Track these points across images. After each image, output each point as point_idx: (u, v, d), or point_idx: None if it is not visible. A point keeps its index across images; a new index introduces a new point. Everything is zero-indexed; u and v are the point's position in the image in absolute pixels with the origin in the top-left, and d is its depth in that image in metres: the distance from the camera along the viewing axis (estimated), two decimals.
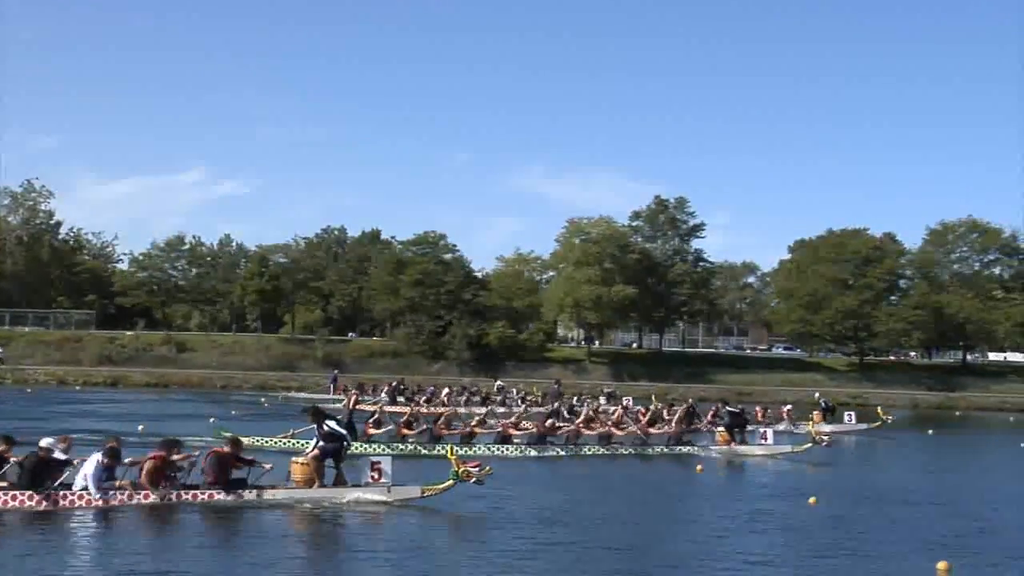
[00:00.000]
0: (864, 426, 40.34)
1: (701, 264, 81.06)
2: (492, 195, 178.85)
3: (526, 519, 16.28)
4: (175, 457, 16.67)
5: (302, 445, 22.87)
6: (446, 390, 47.02)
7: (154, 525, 15.12)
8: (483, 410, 37.01)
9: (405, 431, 26.86)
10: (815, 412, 41.20)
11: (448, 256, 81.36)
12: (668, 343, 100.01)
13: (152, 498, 15.94)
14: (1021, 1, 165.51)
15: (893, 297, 79.33)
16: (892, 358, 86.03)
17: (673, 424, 29.41)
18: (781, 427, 36.09)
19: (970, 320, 77.16)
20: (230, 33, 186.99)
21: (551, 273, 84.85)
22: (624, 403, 40.45)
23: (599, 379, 71.38)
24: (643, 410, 32.05)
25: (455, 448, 19.90)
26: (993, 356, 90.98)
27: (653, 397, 44.20)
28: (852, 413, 42.52)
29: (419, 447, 26.10)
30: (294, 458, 17.83)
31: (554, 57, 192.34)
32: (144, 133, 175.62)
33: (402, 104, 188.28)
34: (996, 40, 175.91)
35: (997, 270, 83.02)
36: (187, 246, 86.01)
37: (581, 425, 28.74)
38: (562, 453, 26.84)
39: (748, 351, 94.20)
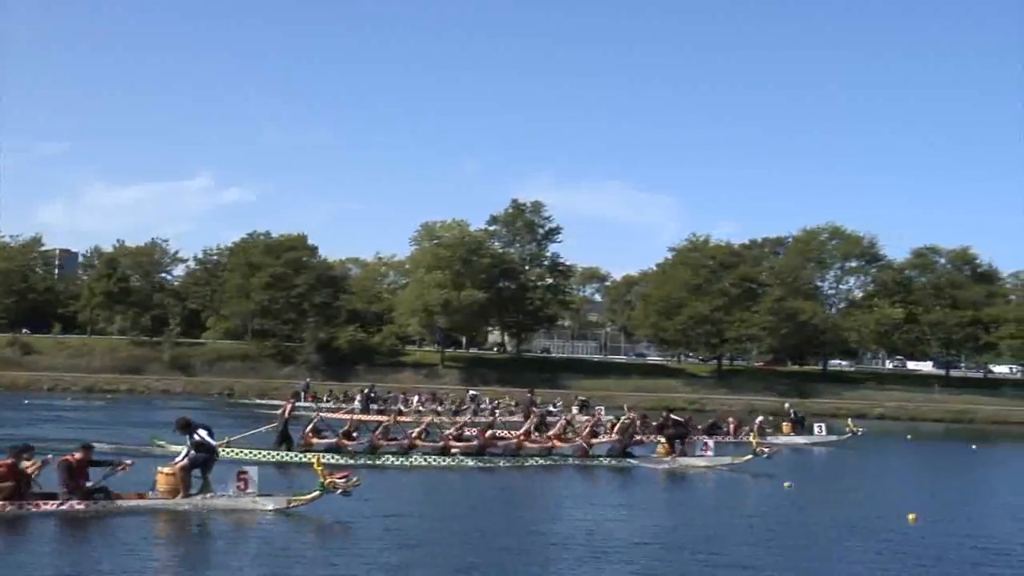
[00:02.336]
0: (834, 437, 40.10)
1: (558, 268, 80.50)
2: (500, 204, 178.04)
3: (375, 534, 15.69)
4: (24, 464, 16.02)
5: (235, 453, 23.85)
6: (416, 398, 47.53)
7: (2, 536, 14.72)
8: (457, 419, 36.37)
9: (344, 441, 26.50)
10: (784, 423, 41.24)
11: (308, 258, 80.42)
12: (557, 349, 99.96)
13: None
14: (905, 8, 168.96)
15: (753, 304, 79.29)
16: (760, 365, 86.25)
17: (614, 435, 28.86)
18: (723, 438, 35.70)
19: (825, 327, 77.43)
20: (240, 39, 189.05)
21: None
22: (596, 413, 40.70)
23: (451, 384, 70.75)
24: (613, 421, 32.00)
25: (321, 458, 19.47)
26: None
27: (626, 407, 43.72)
28: (822, 424, 42.30)
29: (357, 457, 25.55)
30: (160, 467, 17.50)
31: (562, 66, 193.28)
32: (153, 139, 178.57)
33: (410, 112, 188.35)
34: (901, 45, 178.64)
35: (853, 279, 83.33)
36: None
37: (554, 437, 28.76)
38: (503, 464, 26.25)
39: (628, 357, 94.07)
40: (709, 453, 28.55)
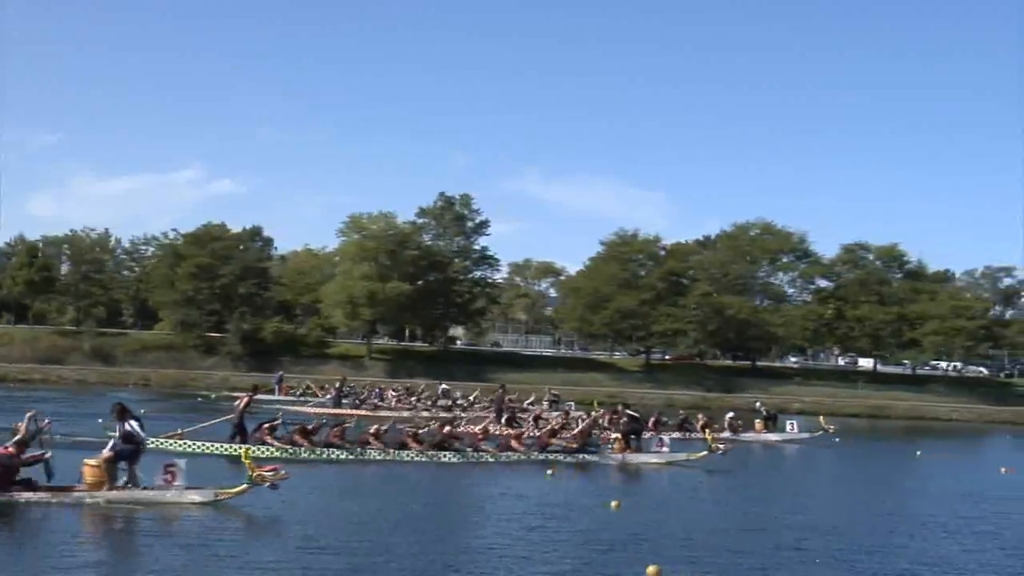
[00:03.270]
0: (806, 435, 40.16)
1: (487, 262, 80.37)
2: (489, 199, 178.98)
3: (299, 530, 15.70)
4: None
5: (185, 447, 24.38)
6: (391, 392, 47.11)
7: None
8: (429, 414, 37.26)
9: (298, 438, 26.21)
10: (756, 421, 41.32)
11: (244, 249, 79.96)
12: (511, 343, 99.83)
13: None
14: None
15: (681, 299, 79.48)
16: (697, 359, 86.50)
17: (577, 434, 29.19)
18: (678, 434, 35.67)
19: (750, 322, 77.75)
20: (230, 32, 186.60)
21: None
22: (566, 408, 40.86)
23: (376, 375, 70.36)
24: (584, 416, 32.69)
25: (250, 451, 19.42)
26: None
27: (595, 403, 44.52)
28: (794, 422, 42.34)
29: (314, 452, 25.62)
30: (86, 459, 17.39)
31: (551, 61, 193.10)
32: (142, 131, 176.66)
33: (401, 108, 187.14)
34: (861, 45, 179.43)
35: (783, 274, 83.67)
36: None
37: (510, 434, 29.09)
38: (455, 460, 26.18)
39: (560, 351, 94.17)
40: (664, 449, 28.80)
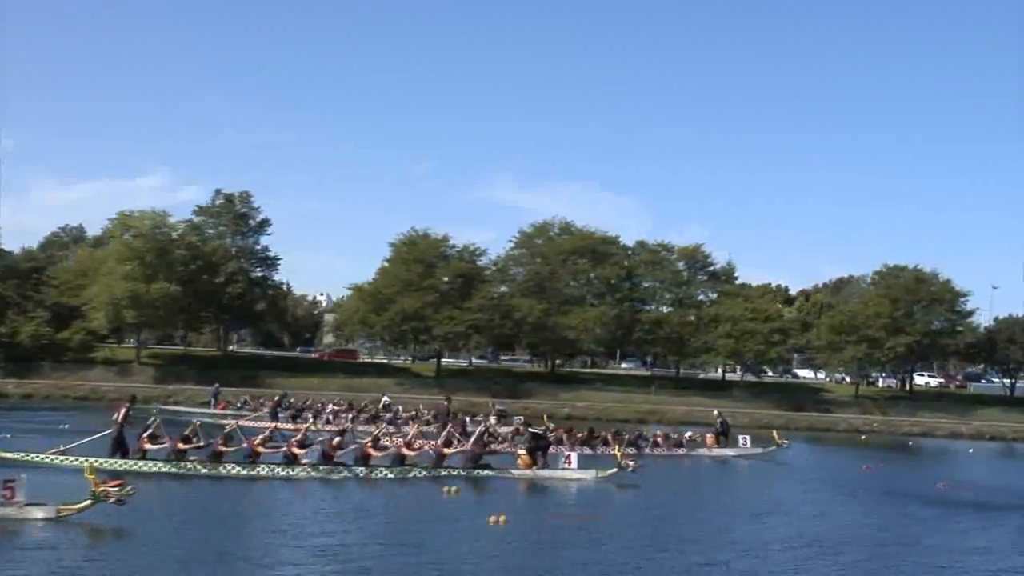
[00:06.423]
0: (759, 450, 40.34)
1: (267, 262, 77.24)
2: (460, 205, 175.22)
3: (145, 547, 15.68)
4: None
5: (68, 461, 23.97)
6: (331, 406, 45.79)
7: None
8: (371, 428, 35.48)
9: (181, 446, 25.66)
10: (708, 435, 41.60)
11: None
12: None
13: None
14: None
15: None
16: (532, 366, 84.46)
17: (470, 445, 28.86)
18: (588, 451, 35.38)
19: (542, 325, 75.78)
20: (194, 37, 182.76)
21: None
22: (516, 424, 39.86)
23: (143, 382, 67.18)
24: (539, 431, 32.45)
25: (93, 465, 18.36)
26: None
27: (545, 417, 43.47)
28: (747, 436, 42.08)
29: (198, 466, 25.15)
30: None
31: (522, 66, 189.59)
32: (105, 136, 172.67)
33: (367, 112, 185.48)
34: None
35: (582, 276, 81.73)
36: None
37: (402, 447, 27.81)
38: (348, 475, 25.69)
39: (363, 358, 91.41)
40: (572, 466, 28.52)
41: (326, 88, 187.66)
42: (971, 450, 56.15)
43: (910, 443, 59.57)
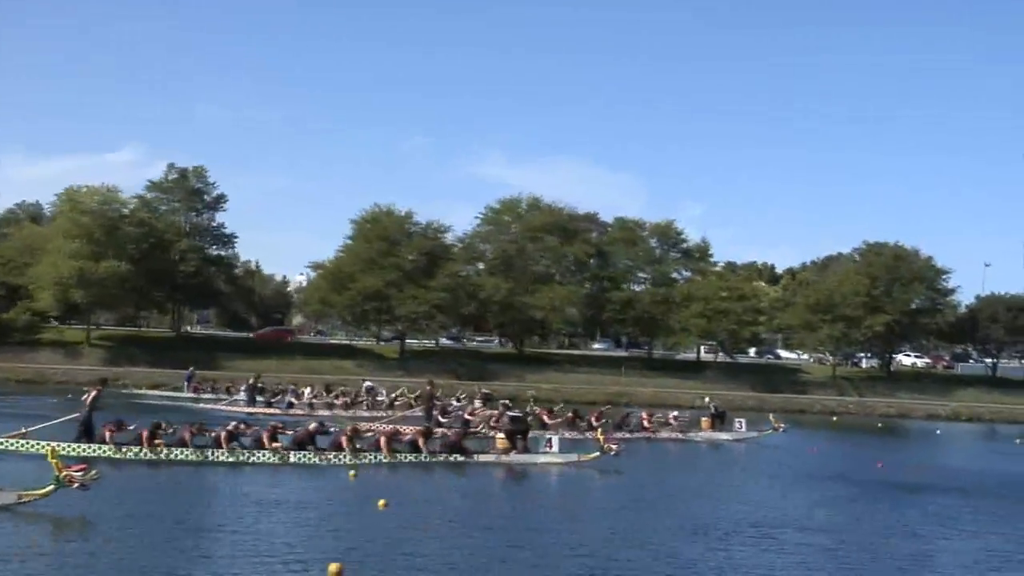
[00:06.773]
0: (755, 433, 39.78)
1: (222, 240, 74.42)
2: (451, 181, 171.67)
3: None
4: None
5: (30, 448, 23.04)
6: (308, 390, 44.93)
7: None
8: (349, 413, 35.34)
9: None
10: (703, 418, 41.07)
11: None
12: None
13: None
14: None
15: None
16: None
17: (451, 433, 28.71)
18: (569, 434, 34.20)
19: (509, 304, 73.29)
20: (173, 9, 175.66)
21: None
22: (501, 407, 37.51)
23: (92, 364, 64.56)
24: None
25: (56, 450, 17.58)
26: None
27: (531, 400, 43.28)
28: (742, 420, 41.34)
29: (169, 452, 24.39)
30: None
31: (514, 41, 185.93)
32: (78, 111, 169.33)
33: (358, 86, 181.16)
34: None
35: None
36: None
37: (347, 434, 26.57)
38: (318, 462, 24.90)
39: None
40: (552, 450, 27.87)
41: (311, 64, 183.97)
42: (938, 431, 54.36)
43: (879, 424, 57.60)
